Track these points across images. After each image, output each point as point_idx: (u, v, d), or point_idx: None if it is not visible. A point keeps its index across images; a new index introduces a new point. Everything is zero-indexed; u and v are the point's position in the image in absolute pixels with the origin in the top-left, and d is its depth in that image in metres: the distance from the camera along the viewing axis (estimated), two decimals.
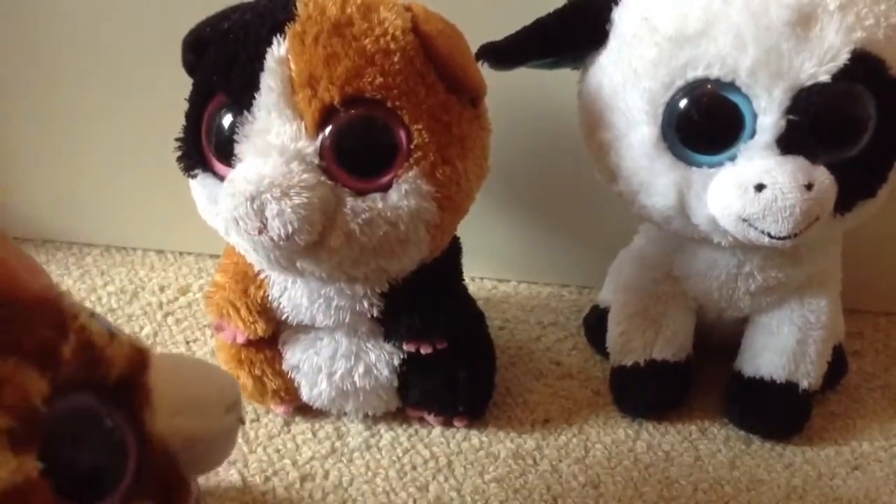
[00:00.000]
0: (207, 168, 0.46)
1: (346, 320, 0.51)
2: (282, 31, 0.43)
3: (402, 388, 0.54)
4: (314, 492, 0.51)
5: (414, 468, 0.53)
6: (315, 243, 0.44)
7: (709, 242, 0.52)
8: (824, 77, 0.45)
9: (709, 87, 0.46)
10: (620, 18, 0.50)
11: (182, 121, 0.48)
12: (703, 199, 0.48)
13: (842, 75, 0.45)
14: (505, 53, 0.52)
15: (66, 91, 0.69)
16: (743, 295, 0.55)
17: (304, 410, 0.57)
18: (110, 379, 0.30)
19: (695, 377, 0.60)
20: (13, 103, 0.70)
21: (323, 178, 0.43)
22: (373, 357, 0.53)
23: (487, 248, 0.71)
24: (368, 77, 0.43)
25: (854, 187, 0.48)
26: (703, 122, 0.47)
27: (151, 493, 0.31)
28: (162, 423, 0.32)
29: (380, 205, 0.44)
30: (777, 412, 0.56)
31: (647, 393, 0.58)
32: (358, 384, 0.53)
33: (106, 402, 0.30)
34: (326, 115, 0.43)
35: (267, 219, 0.42)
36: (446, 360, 0.54)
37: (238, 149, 0.43)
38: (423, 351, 0.53)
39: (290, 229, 0.42)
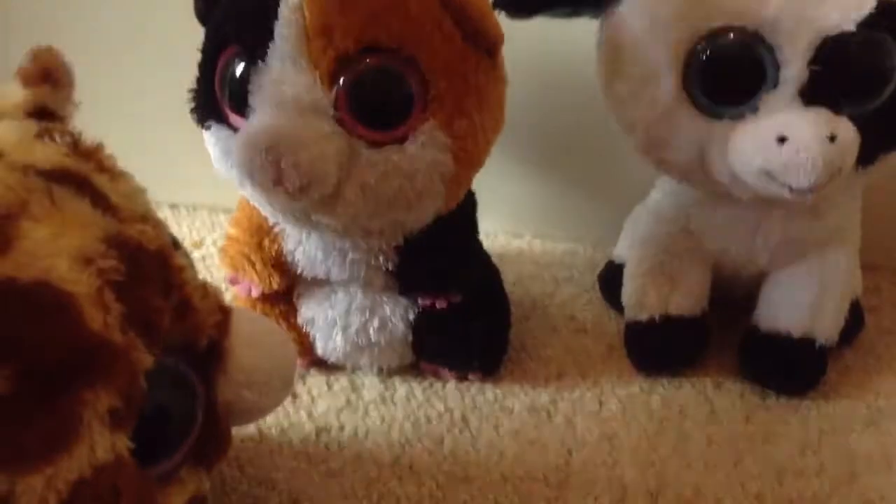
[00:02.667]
0: (221, 119, 0.45)
1: (362, 274, 0.51)
2: None
3: (417, 342, 0.54)
4: (330, 444, 0.52)
5: (429, 421, 0.54)
6: (330, 195, 0.43)
7: (728, 196, 0.51)
8: (849, 26, 0.44)
9: (731, 36, 0.46)
10: None
11: (195, 72, 0.47)
12: (724, 151, 0.47)
13: (867, 24, 0.44)
14: (522, 2, 0.51)
15: (76, 44, 0.68)
16: (761, 250, 0.55)
17: (319, 364, 0.57)
18: (201, 346, 0.30)
19: (711, 333, 0.59)
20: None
21: (338, 129, 0.42)
22: (388, 311, 0.53)
23: (502, 203, 0.70)
24: (384, 25, 0.42)
25: (877, 140, 0.47)
26: (725, 72, 0.47)
27: (202, 453, 0.31)
28: (230, 392, 0.32)
29: (395, 157, 0.43)
30: (793, 367, 0.56)
31: (663, 348, 0.58)
32: (373, 338, 0.53)
33: (190, 364, 0.30)
34: (341, 65, 0.42)
35: (282, 170, 0.41)
36: (461, 314, 0.54)
37: (252, 99, 0.43)
38: (437, 305, 0.53)
39: (305, 181, 0.41)
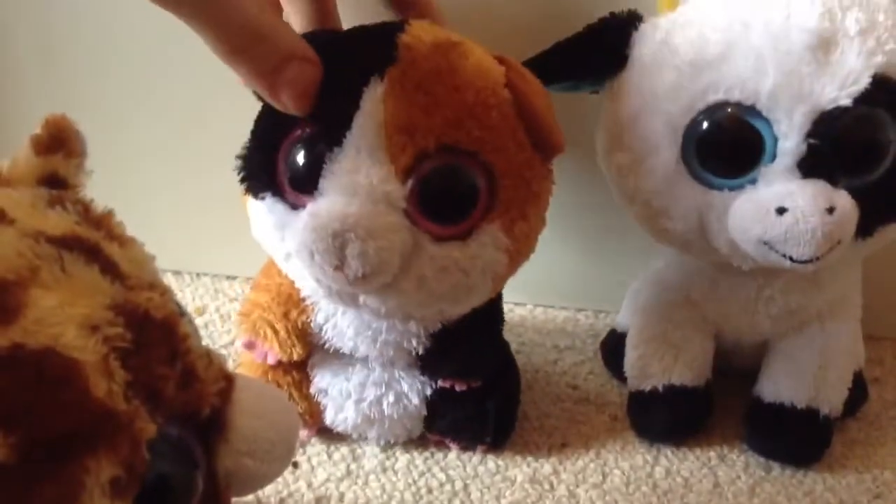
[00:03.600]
0: (278, 193, 0.45)
1: (390, 354, 0.51)
2: (381, 73, 0.42)
3: (430, 417, 0.54)
4: None
5: (430, 491, 0.53)
6: (386, 285, 0.43)
7: (729, 266, 0.51)
8: (845, 101, 0.45)
9: (729, 110, 0.46)
10: (640, 42, 0.50)
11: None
12: (724, 222, 0.48)
13: (863, 99, 0.45)
14: None
15: (81, 110, 0.69)
16: (763, 319, 0.55)
17: (320, 432, 0.57)
18: (203, 415, 0.30)
19: (714, 402, 0.59)
20: (25, 121, 0.71)
21: (405, 222, 0.42)
22: (405, 387, 0.53)
23: None
24: (466, 129, 0.42)
25: (876, 211, 0.47)
26: (724, 145, 0.47)
27: None
28: (231, 461, 0.31)
29: (456, 253, 0.43)
30: (797, 438, 0.56)
31: (666, 418, 0.58)
32: (386, 412, 0.53)
33: (192, 432, 0.30)
34: (418, 161, 0.42)
35: (346, 257, 0.41)
36: (478, 394, 0.54)
37: (322, 183, 0.42)
38: (457, 388, 0.53)
39: (368, 270, 0.41)
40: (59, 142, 0.34)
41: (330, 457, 0.55)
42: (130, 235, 0.33)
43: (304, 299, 0.51)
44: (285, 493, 0.52)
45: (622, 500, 0.53)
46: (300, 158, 0.44)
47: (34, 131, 0.34)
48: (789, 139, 0.45)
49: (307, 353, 0.53)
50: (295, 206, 0.44)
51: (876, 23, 0.46)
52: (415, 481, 0.54)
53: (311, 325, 0.52)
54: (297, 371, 0.54)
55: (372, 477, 0.54)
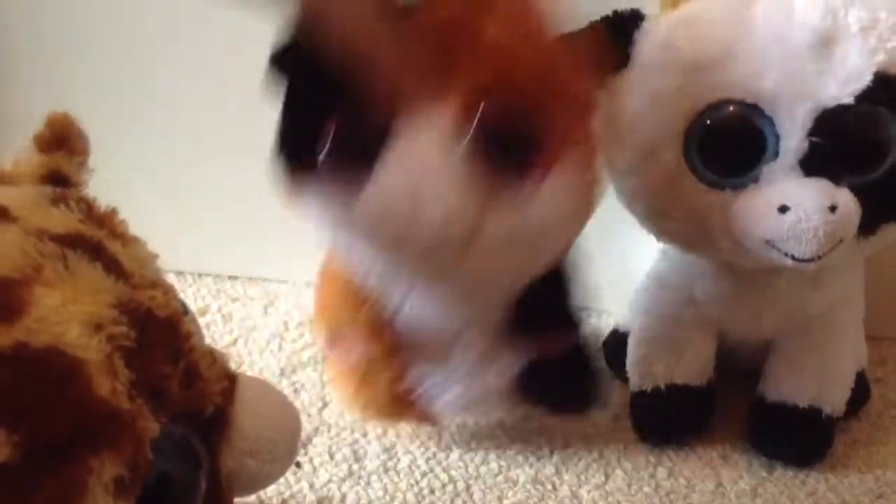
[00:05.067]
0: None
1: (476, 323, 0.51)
2: None
3: (524, 388, 0.53)
4: None
5: (432, 492, 0.53)
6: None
7: (731, 266, 0.51)
8: (847, 99, 0.45)
9: (731, 109, 0.47)
10: (643, 41, 0.50)
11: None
12: (726, 221, 0.48)
13: (865, 97, 0.45)
14: None
15: (83, 110, 0.69)
16: (766, 319, 0.55)
17: (321, 432, 0.56)
18: (206, 414, 0.30)
19: (716, 402, 0.59)
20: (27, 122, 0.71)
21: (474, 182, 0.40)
22: (496, 362, 0.52)
23: None
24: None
25: (878, 210, 0.47)
26: (726, 144, 0.48)
27: None
28: (234, 460, 0.31)
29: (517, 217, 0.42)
30: (800, 438, 0.56)
31: (668, 418, 0.58)
32: (482, 389, 0.52)
33: (195, 431, 0.30)
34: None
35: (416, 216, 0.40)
36: (559, 362, 0.53)
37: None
38: (560, 346, 0.52)
39: (438, 231, 0.40)
40: (62, 140, 0.34)
41: (332, 457, 0.55)
42: (133, 234, 0.33)
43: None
44: (287, 493, 0.52)
45: (624, 500, 0.53)
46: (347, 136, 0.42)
47: (37, 130, 0.34)
48: (791, 137, 0.45)
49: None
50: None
51: (877, 20, 0.46)
52: (417, 482, 0.54)
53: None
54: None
55: (374, 477, 0.54)
